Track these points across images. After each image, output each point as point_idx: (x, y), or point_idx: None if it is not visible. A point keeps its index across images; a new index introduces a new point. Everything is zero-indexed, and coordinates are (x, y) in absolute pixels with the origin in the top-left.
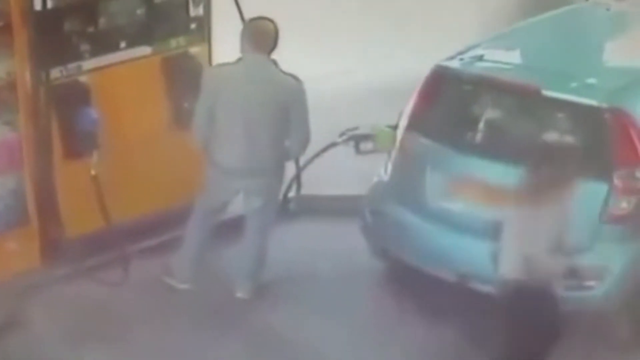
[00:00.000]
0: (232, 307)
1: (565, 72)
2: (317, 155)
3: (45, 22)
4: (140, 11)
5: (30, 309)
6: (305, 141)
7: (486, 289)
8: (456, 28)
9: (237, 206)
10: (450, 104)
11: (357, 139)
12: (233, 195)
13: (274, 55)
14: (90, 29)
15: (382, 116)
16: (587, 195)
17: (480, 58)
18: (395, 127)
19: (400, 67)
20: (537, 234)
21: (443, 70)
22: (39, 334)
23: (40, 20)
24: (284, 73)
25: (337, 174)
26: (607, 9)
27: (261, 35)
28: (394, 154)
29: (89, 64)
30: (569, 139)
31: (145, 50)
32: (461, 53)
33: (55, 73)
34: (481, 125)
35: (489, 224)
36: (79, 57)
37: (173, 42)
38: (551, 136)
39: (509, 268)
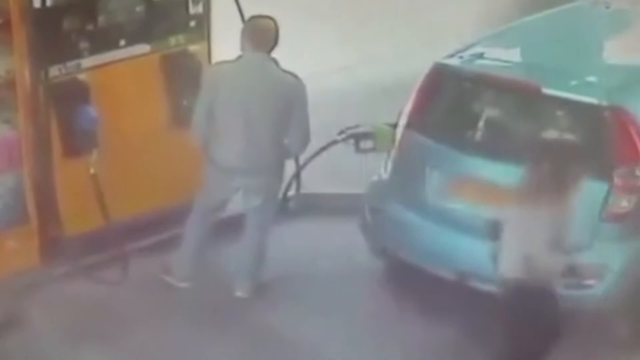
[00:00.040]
0: (231, 306)
1: (565, 70)
2: (317, 153)
3: (45, 19)
4: (139, 9)
5: (29, 307)
6: (305, 139)
7: (486, 287)
8: (456, 26)
9: (236, 204)
10: (449, 102)
11: (357, 137)
12: (232, 193)
13: (274, 54)
14: (90, 27)
15: (382, 114)
16: (587, 194)
17: (480, 56)
18: (394, 126)
19: (400, 65)
20: (537, 233)
21: (442, 68)
22: (38, 332)
23: (40, 18)
24: (284, 71)
25: (336, 172)
26: (607, 7)
27: (261, 34)
28: (393, 152)
29: (88, 62)
30: (568, 137)
31: (145, 48)
32: (461, 51)
33: (55, 71)
34: (480, 123)
35: (489, 222)
36: (78, 55)
37: (172, 40)
38: (551, 134)
39: (509, 266)
